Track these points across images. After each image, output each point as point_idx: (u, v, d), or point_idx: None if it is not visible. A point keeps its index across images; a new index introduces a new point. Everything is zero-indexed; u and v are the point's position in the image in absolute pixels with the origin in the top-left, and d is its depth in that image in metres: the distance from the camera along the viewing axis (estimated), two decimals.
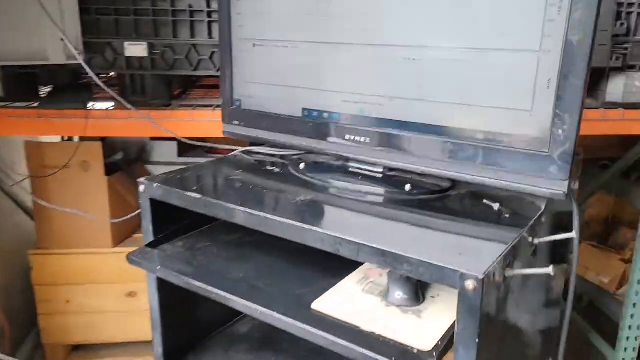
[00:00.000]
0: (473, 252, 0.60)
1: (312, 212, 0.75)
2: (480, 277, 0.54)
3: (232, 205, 0.73)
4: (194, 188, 0.80)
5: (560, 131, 0.67)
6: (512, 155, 0.72)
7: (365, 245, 0.62)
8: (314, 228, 0.66)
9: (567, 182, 0.68)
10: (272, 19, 0.92)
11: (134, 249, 0.83)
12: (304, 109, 0.92)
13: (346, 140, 0.87)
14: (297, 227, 0.67)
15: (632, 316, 1.51)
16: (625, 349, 1.54)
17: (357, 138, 0.86)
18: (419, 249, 0.60)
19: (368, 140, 0.84)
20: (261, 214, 0.70)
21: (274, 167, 0.93)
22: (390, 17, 0.79)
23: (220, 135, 1.06)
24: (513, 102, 0.71)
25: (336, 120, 0.88)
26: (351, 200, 0.79)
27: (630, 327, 1.52)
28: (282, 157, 0.99)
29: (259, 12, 0.93)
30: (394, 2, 0.78)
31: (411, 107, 0.80)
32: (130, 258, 0.80)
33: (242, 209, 0.72)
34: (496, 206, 0.78)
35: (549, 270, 0.58)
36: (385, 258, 0.60)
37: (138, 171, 1.95)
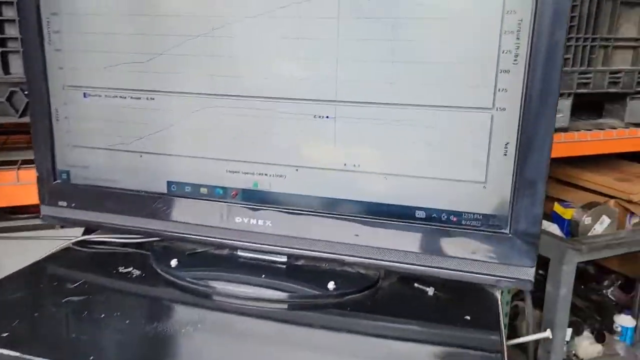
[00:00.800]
0: None
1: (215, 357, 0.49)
2: None
3: None
4: (4, 335, 0.49)
5: (522, 207, 0.54)
6: (462, 239, 0.56)
7: None
8: None
9: (533, 270, 0.54)
10: (110, 58, 0.63)
11: None
12: (170, 183, 0.65)
13: (237, 223, 0.63)
14: None
15: None
16: None
17: (252, 220, 0.62)
18: None
19: (269, 223, 0.62)
20: None
21: (130, 268, 0.65)
22: (291, 62, 0.58)
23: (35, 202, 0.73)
24: (462, 172, 0.55)
25: (220, 197, 0.64)
26: (262, 314, 0.56)
27: None
28: (137, 245, 0.70)
29: (89, 49, 0.64)
30: (294, 44, 0.57)
31: (326, 178, 0.60)
32: None
33: None
34: (430, 291, 0.62)
35: None
36: None
37: None
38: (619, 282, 1.54)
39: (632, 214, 1.39)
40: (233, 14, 0.58)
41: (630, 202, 1.36)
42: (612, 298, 1.52)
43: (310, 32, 0.56)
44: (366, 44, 0.55)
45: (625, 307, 1.46)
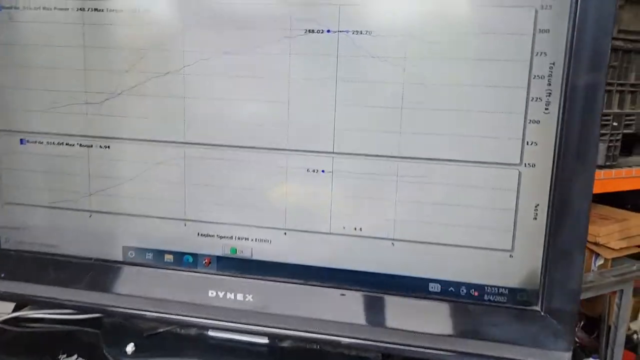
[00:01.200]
0: None
1: None
2: None
3: None
4: None
5: (556, 280, 0.44)
6: (485, 317, 0.45)
7: None
8: None
9: (569, 355, 0.44)
10: (55, 97, 0.50)
11: None
12: (126, 249, 0.52)
13: (210, 297, 0.50)
14: None
15: None
16: None
17: (230, 294, 0.49)
18: None
19: (249, 297, 0.49)
20: None
21: (74, 356, 0.50)
22: (279, 106, 0.47)
23: None
24: (485, 238, 0.45)
25: (189, 265, 0.51)
26: None
27: None
28: (83, 323, 0.55)
29: (28, 86, 0.50)
30: (283, 85, 0.46)
31: (321, 244, 0.48)
32: None
33: None
34: None
35: None
36: None
37: None
38: (582, 322, 1.49)
39: (598, 255, 1.34)
40: (209, 49, 0.46)
41: (596, 244, 1.31)
42: (577, 340, 1.46)
43: (304, 70, 0.45)
44: (371, 87, 0.45)
45: (589, 349, 1.40)
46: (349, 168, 0.46)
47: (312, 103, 0.46)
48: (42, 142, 0.51)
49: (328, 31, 0.44)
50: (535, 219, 0.44)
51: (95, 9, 0.47)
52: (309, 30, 0.45)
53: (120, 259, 0.52)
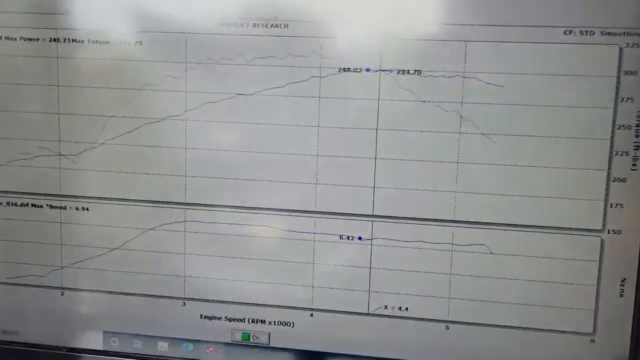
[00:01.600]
0: None
1: None
2: None
3: None
4: None
5: None
6: None
7: None
8: None
9: None
10: (17, 147, 0.39)
11: None
12: (108, 335, 0.40)
13: None
14: None
15: None
16: None
17: None
18: None
19: None
20: None
21: None
22: (303, 158, 0.37)
23: None
24: (560, 320, 0.36)
25: (190, 355, 0.40)
26: None
27: None
28: None
29: None
30: (307, 133, 0.37)
31: (357, 328, 0.38)
32: None
33: None
34: None
35: None
36: None
37: None
38: None
39: None
40: (218, 90, 0.37)
41: None
42: None
43: (337, 117, 0.36)
44: (419, 137, 0.36)
45: None
46: (392, 235, 0.37)
47: (347, 156, 0.36)
48: (0, 203, 0.40)
49: (367, 70, 0.35)
50: (622, 296, 0.35)
51: (74, 40, 0.37)
52: (344, 68, 0.36)
53: (101, 347, 0.40)
